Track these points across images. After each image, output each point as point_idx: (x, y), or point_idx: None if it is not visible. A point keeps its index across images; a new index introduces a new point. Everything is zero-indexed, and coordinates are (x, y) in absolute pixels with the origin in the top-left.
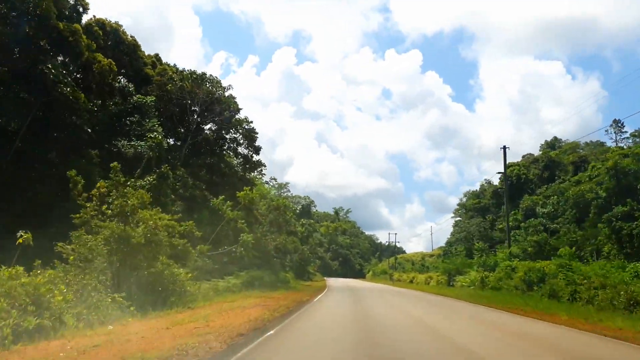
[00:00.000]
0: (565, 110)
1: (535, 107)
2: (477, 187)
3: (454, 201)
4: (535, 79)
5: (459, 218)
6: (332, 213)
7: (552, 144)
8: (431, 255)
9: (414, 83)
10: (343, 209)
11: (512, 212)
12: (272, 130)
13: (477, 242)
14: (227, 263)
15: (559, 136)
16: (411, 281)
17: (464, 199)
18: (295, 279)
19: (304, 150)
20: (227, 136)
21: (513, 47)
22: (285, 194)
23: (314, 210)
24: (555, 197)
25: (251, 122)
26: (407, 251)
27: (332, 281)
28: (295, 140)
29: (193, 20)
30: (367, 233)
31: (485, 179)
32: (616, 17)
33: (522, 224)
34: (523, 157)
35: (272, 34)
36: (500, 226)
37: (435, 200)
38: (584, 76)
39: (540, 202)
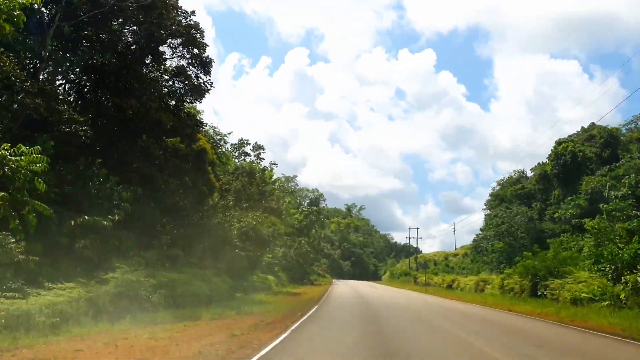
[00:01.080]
0: (582, 109)
1: (551, 107)
2: (504, 179)
3: (468, 202)
4: (551, 77)
5: (488, 212)
6: (344, 210)
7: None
8: (455, 255)
9: (427, 83)
10: (356, 206)
11: (570, 197)
12: (285, 130)
13: (590, 220)
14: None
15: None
16: (449, 286)
17: (497, 188)
18: (285, 283)
19: (317, 150)
20: (133, 26)
21: (529, 45)
22: (292, 187)
23: (324, 206)
24: (633, 175)
25: (192, 13)
26: (423, 252)
27: (339, 286)
28: (308, 141)
29: (206, 20)
30: (381, 232)
31: (514, 170)
32: (636, 13)
33: (605, 206)
34: (569, 136)
35: (285, 33)
36: (556, 215)
37: (449, 201)
38: (602, 75)
39: (608, 184)
